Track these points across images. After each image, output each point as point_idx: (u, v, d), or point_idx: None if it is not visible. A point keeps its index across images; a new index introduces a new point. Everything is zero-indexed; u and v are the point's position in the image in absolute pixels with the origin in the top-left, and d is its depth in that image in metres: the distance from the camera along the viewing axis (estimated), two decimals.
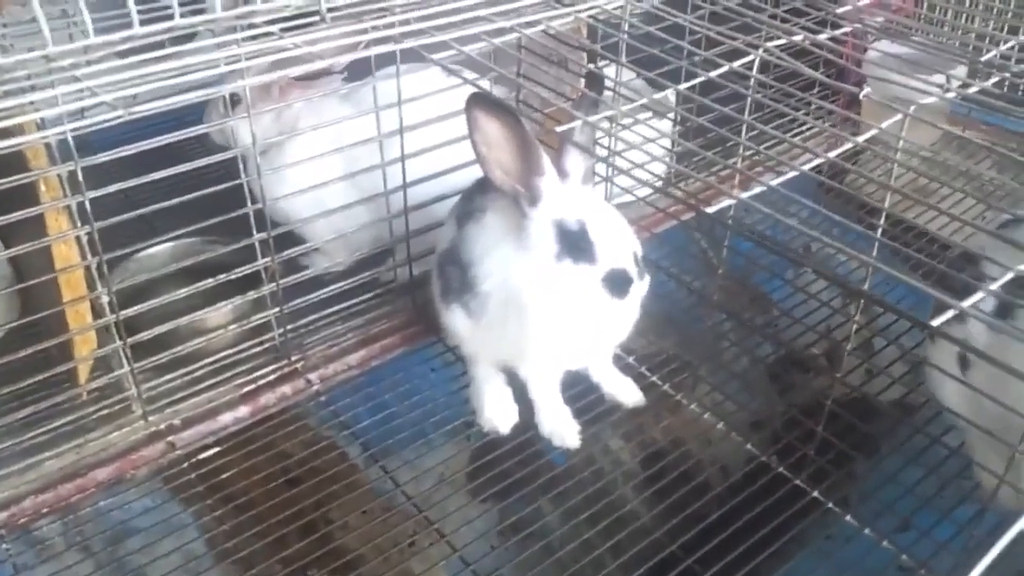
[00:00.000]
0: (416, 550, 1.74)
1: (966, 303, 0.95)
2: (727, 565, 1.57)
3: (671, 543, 1.65)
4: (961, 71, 2.51)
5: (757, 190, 1.15)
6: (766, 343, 2.25)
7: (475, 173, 1.92)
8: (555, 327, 1.67)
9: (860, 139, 1.27)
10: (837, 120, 2.76)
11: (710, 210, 1.12)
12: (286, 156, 2.01)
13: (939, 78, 1.59)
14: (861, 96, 1.39)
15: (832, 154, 1.35)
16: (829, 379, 2.03)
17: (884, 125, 1.29)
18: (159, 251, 2.14)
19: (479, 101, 1.55)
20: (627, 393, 1.96)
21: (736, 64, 1.57)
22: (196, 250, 1.99)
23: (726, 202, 1.14)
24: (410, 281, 2.11)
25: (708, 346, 2.09)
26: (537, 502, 1.77)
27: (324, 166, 1.98)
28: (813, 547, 1.69)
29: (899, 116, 1.33)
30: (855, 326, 1.75)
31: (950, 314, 0.96)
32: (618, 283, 1.60)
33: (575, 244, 1.60)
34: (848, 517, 1.72)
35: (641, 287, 1.62)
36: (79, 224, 1.61)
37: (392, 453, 1.88)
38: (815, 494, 1.75)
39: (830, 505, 1.74)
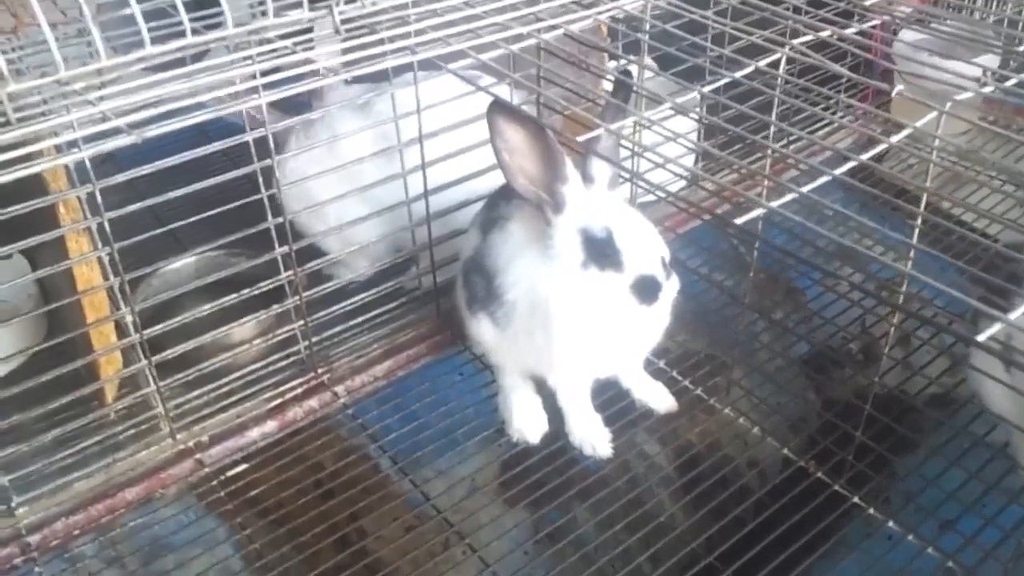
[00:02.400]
0: (450, 559, 1.71)
1: (1013, 315, 0.90)
2: (767, 574, 1.54)
3: (709, 552, 1.62)
4: (993, 60, 2.44)
5: (788, 197, 1.10)
6: (800, 342, 2.20)
7: (496, 178, 1.92)
8: (583, 336, 1.64)
9: (895, 139, 1.22)
10: (866, 115, 2.69)
11: (743, 219, 1.06)
12: (302, 170, 1.99)
13: (972, 70, 1.53)
14: (894, 94, 1.33)
15: (866, 156, 1.30)
16: (866, 377, 2.00)
17: (919, 124, 1.24)
18: (183, 266, 2.15)
19: (500, 109, 1.53)
20: (659, 399, 1.92)
21: (762, 63, 1.52)
22: (220, 264, 1.99)
23: (755, 212, 1.09)
24: (434, 289, 2.09)
25: (741, 347, 2.04)
26: (572, 511, 1.75)
27: (341, 179, 1.95)
28: (854, 554, 1.64)
29: (934, 113, 1.27)
30: (892, 327, 1.70)
31: (996, 327, 0.91)
32: (647, 290, 1.57)
33: (601, 252, 1.56)
34: (890, 523, 1.68)
35: (670, 292, 1.58)
36: (99, 245, 1.59)
37: (422, 463, 1.86)
38: (856, 499, 1.72)
39: (871, 511, 1.70)
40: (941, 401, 1.93)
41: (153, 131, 1.21)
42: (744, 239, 2.26)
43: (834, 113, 2.63)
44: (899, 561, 1.60)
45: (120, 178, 1.51)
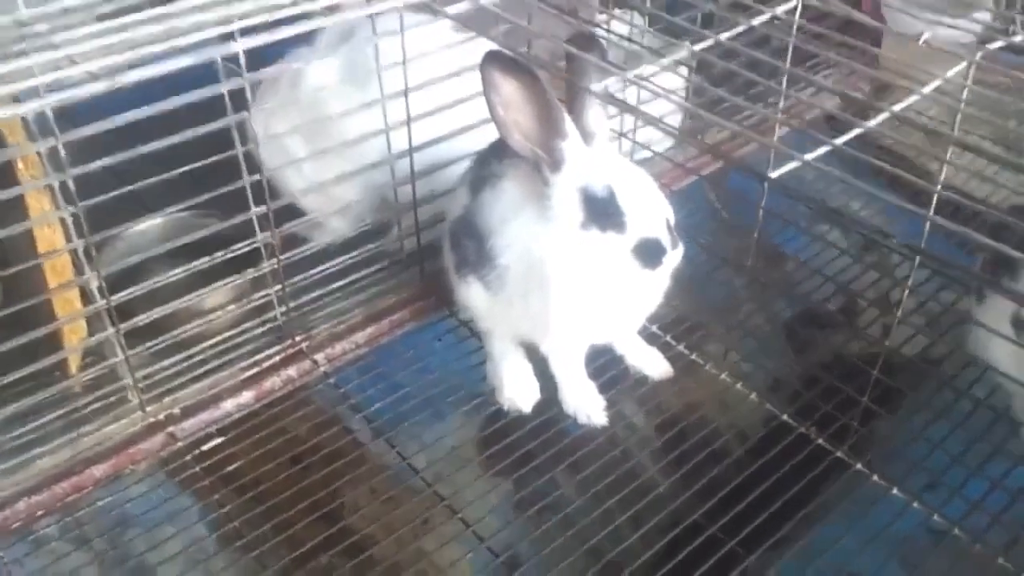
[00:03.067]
0: (429, 528, 1.63)
1: None
2: (752, 532, 1.50)
3: (692, 512, 1.58)
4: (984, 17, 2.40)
5: (823, 149, 1.03)
6: (782, 301, 2.14)
7: (483, 134, 1.82)
8: (581, 301, 1.57)
9: (926, 89, 1.14)
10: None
11: (777, 172, 0.99)
12: (280, 124, 1.87)
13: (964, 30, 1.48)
14: (920, 42, 1.26)
15: (875, 121, 1.22)
16: (847, 335, 1.96)
17: (950, 74, 1.16)
18: (149, 228, 2.02)
19: (496, 60, 1.43)
20: (654, 365, 1.86)
21: (756, 21, 1.46)
22: (189, 226, 1.86)
23: (791, 165, 1.02)
24: (418, 251, 1.99)
25: (722, 305, 1.98)
26: (551, 473, 1.67)
27: (319, 134, 1.84)
28: (840, 510, 1.61)
29: (963, 64, 1.21)
30: (903, 286, 1.64)
31: None
32: (650, 253, 1.49)
33: (602, 212, 1.48)
34: (875, 477, 1.65)
35: (674, 257, 1.51)
36: (63, 204, 1.47)
37: (404, 431, 1.77)
38: (839, 454, 1.68)
39: (858, 466, 1.66)
40: (923, 358, 1.89)
41: (129, 77, 1.08)
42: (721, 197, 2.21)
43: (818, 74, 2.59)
44: (885, 516, 1.57)
45: (87, 131, 1.37)
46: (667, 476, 1.66)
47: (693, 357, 1.90)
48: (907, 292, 1.53)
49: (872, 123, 1.24)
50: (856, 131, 1.22)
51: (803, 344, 2.03)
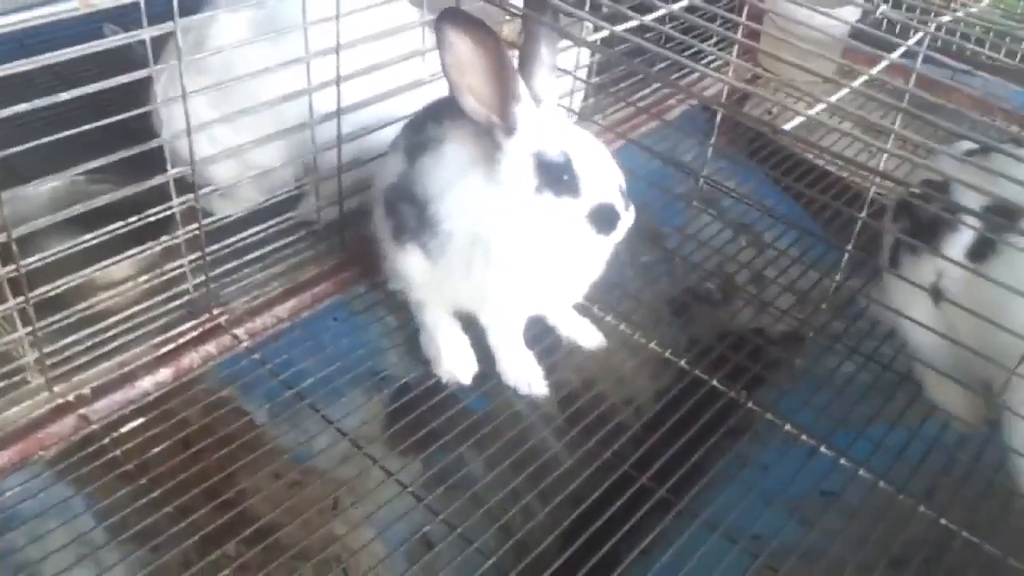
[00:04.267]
0: (338, 512, 1.55)
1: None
2: (673, 485, 1.53)
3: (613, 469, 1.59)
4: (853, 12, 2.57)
5: (819, 107, 1.06)
6: (665, 279, 2.20)
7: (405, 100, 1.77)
8: (529, 268, 1.55)
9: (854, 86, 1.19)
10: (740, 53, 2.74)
11: (790, 124, 1.01)
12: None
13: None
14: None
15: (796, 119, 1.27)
16: (727, 314, 2.06)
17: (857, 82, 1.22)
18: (35, 195, 1.81)
19: (451, 17, 1.38)
20: (587, 336, 1.86)
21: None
22: (81, 192, 1.69)
23: (796, 120, 1.04)
24: (340, 220, 1.91)
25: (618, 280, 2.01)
26: (458, 450, 1.64)
27: (230, 96, 1.72)
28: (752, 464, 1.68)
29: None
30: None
31: None
32: (604, 219, 1.49)
33: (557, 177, 1.47)
34: (787, 426, 1.71)
35: (627, 222, 1.52)
36: None
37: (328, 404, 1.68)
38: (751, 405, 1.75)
39: (769, 416, 1.73)
40: (794, 335, 2.01)
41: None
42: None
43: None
44: (794, 464, 1.64)
45: None
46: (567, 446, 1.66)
47: (622, 327, 1.92)
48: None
49: (789, 125, 1.28)
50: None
51: (689, 317, 2.09)
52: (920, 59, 1.44)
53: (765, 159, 2.59)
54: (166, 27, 1.41)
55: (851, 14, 2.58)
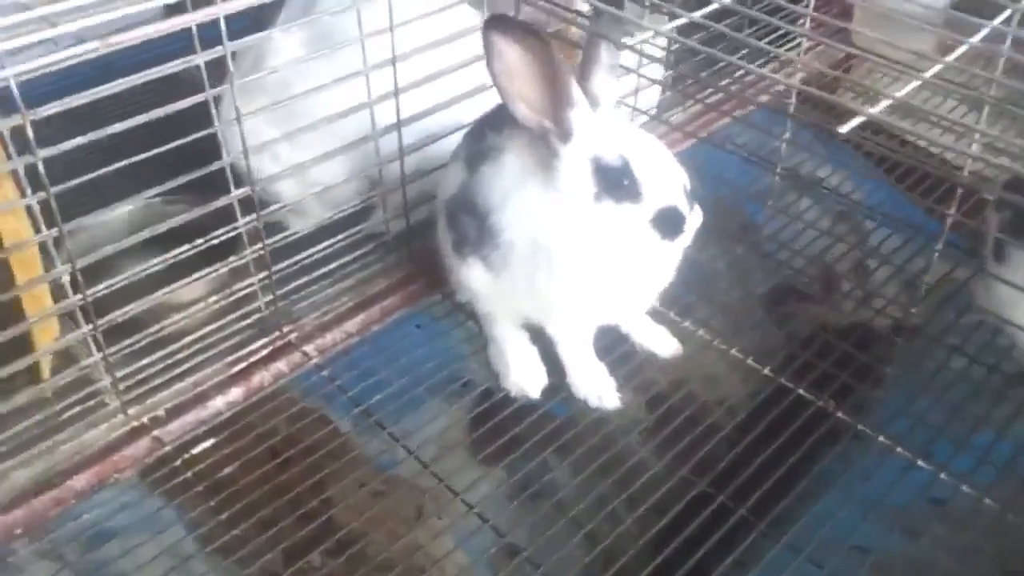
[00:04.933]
0: (424, 518, 1.55)
1: None
2: (758, 501, 1.46)
3: (690, 487, 1.52)
4: None
5: (884, 104, 0.96)
6: (758, 273, 2.10)
7: (469, 107, 1.73)
8: (594, 277, 1.49)
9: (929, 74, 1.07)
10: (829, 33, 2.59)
11: (847, 125, 0.92)
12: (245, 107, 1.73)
13: None
14: None
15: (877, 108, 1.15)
16: (826, 307, 1.94)
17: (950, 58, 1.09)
18: (112, 219, 1.87)
19: (498, 24, 1.33)
20: (663, 343, 1.78)
21: None
22: (158, 213, 1.72)
23: (856, 120, 0.95)
24: (407, 231, 1.88)
25: (704, 279, 1.93)
26: (545, 460, 1.60)
27: (290, 114, 1.71)
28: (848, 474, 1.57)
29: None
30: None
31: None
32: (669, 223, 1.42)
33: (617, 182, 1.40)
34: (881, 437, 1.60)
35: (693, 224, 1.44)
36: (29, 191, 1.33)
37: (393, 423, 1.67)
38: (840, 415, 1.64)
39: (860, 427, 1.62)
40: (899, 327, 1.88)
41: (121, 38, 0.96)
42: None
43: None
44: (889, 477, 1.54)
45: (57, 106, 1.24)
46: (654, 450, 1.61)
47: (700, 333, 1.83)
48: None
49: (875, 109, 1.16)
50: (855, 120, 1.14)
51: (784, 315, 1.98)
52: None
53: (860, 144, 2.44)
54: (216, 51, 1.41)
55: None
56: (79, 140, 1.29)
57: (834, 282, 2.05)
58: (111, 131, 1.34)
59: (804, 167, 2.29)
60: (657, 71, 2.23)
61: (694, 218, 1.43)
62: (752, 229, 2.22)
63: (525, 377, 1.70)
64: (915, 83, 1.18)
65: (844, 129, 0.93)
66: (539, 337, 1.72)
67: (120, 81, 1.33)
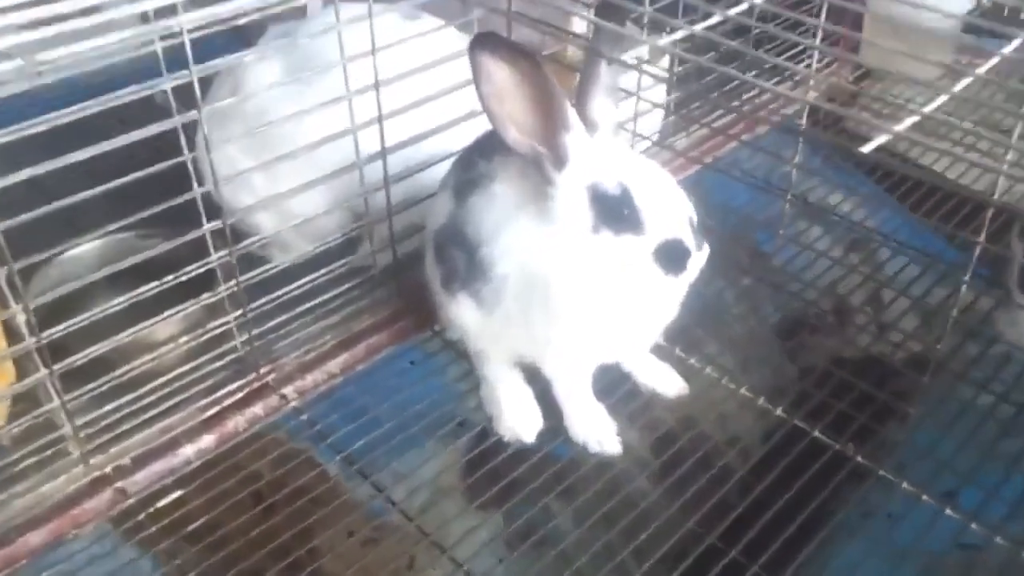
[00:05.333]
0: (417, 570, 1.45)
1: None
2: (773, 555, 1.35)
3: (700, 539, 1.41)
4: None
5: (909, 121, 0.85)
6: (768, 305, 1.99)
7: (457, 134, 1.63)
8: (592, 315, 1.38)
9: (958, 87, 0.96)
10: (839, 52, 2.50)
11: (870, 146, 0.82)
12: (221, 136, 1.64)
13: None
14: None
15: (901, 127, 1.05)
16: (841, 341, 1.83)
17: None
18: (84, 252, 1.78)
19: (486, 43, 1.24)
20: (668, 382, 1.67)
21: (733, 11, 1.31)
22: (131, 248, 1.62)
23: (880, 139, 0.84)
24: (393, 265, 1.78)
25: (710, 312, 1.83)
26: (543, 502, 1.50)
27: (267, 144, 1.62)
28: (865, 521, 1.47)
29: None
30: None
31: None
32: (673, 257, 1.31)
33: (616, 212, 1.30)
34: (905, 484, 1.49)
35: (700, 259, 1.33)
36: None
37: (382, 467, 1.56)
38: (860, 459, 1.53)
39: (881, 472, 1.51)
40: (916, 360, 1.77)
41: (56, 59, 0.86)
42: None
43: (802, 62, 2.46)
44: (915, 526, 1.43)
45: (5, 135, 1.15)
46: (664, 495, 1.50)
47: (708, 371, 1.72)
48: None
49: (900, 127, 1.05)
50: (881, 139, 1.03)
51: (795, 349, 1.87)
52: None
53: (873, 168, 2.33)
54: (182, 76, 1.31)
55: (960, 5, 2.30)
56: (31, 171, 1.19)
57: (848, 314, 1.95)
58: (75, 158, 1.25)
59: (815, 193, 2.19)
60: (659, 94, 2.13)
61: (700, 255, 1.32)
62: (761, 258, 2.12)
63: (519, 421, 1.59)
64: (942, 98, 1.08)
65: (868, 148, 0.82)
66: (535, 376, 1.61)
67: (73, 109, 1.23)
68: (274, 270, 1.64)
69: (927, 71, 1.26)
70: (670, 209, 1.32)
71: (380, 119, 1.58)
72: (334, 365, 1.70)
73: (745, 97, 2.44)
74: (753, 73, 2.41)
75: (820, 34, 1.65)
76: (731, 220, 2.10)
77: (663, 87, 2.14)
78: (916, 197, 2.08)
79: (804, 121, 2.09)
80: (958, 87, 1.09)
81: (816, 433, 1.56)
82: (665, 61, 2.17)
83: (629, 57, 1.40)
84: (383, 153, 1.62)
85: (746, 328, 1.92)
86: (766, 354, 1.84)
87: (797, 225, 2.11)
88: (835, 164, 2.31)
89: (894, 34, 1.26)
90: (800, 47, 2.34)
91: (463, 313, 1.50)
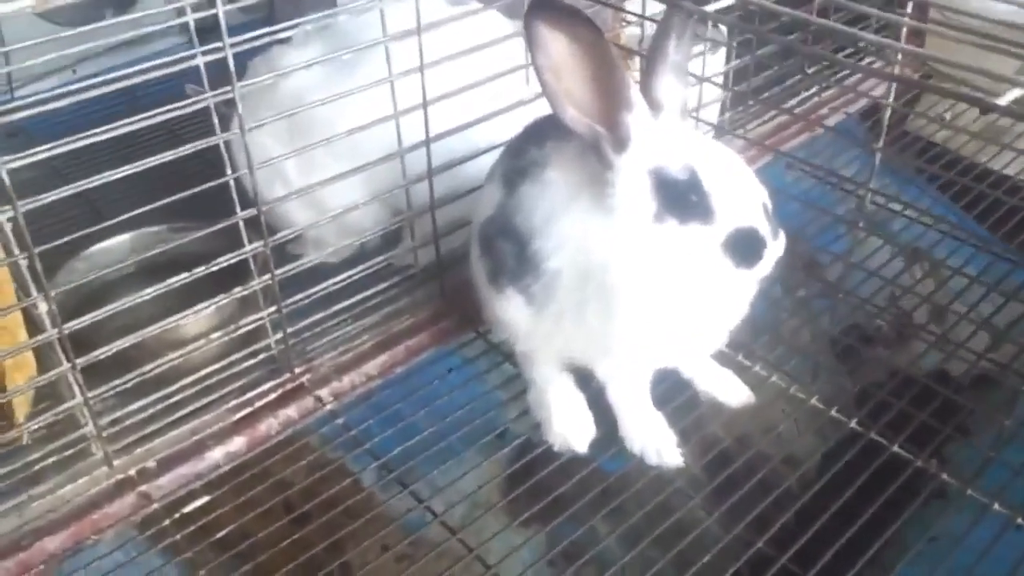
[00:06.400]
0: None
1: None
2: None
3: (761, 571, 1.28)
4: None
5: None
6: (826, 316, 1.86)
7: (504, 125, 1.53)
8: (654, 312, 1.27)
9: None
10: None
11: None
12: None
13: None
14: None
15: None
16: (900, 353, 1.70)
17: None
18: (114, 244, 1.73)
19: (543, 10, 1.13)
20: (731, 391, 1.55)
21: None
22: (161, 240, 1.56)
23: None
24: (437, 263, 1.68)
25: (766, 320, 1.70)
26: (590, 521, 1.39)
27: (304, 134, 1.54)
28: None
29: None
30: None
31: None
32: (746, 248, 1.20)
33: (682, 199, 1.19)
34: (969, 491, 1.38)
35: (775, 250, 1.21)
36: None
37: (419, 477, 1.47)
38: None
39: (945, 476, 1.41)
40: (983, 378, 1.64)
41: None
42: None
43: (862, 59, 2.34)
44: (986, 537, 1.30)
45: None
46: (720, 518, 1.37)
47: (774, 379, 1.59)
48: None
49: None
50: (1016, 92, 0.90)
51: (857, 362, 1.74)
52: None
53: (938, 174, 2.19)
54: (225, 92, 1.25)
55: None
56: (45, 149, 1.13)
57: (913, 323, 1.82)
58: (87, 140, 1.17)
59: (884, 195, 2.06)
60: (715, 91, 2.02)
61: (776, 244, 1.21)
62: (821, 263, 1.99)
63: (570, 428, 1.48)
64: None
65: (1004, 101, 0.71)
66: (586, 381, 1.50)
67: (117, 124, 1.19)
68: (309, 264, 1.54)
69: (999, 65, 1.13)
70: (742, 195, 1.21)
71: (424, 104, 1.48)
72: (372, 367, 1.61)
73: (804, 95, 2.32)
74: (814, 69, 2.31)
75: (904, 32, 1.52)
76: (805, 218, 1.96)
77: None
78: (982, 208, 1.95)
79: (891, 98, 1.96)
80: None
81: (896, 448, 1.43)
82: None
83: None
84: (427, 141, 1.52)
85: (809, 335, 1.79)
86: (830, 363, 1.71)
87: (855, 235, 1.98)
88: (891, 172, 2.18)
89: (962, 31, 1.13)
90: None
91: (511, 311, 1.39)
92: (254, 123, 1.34)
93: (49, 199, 1.15)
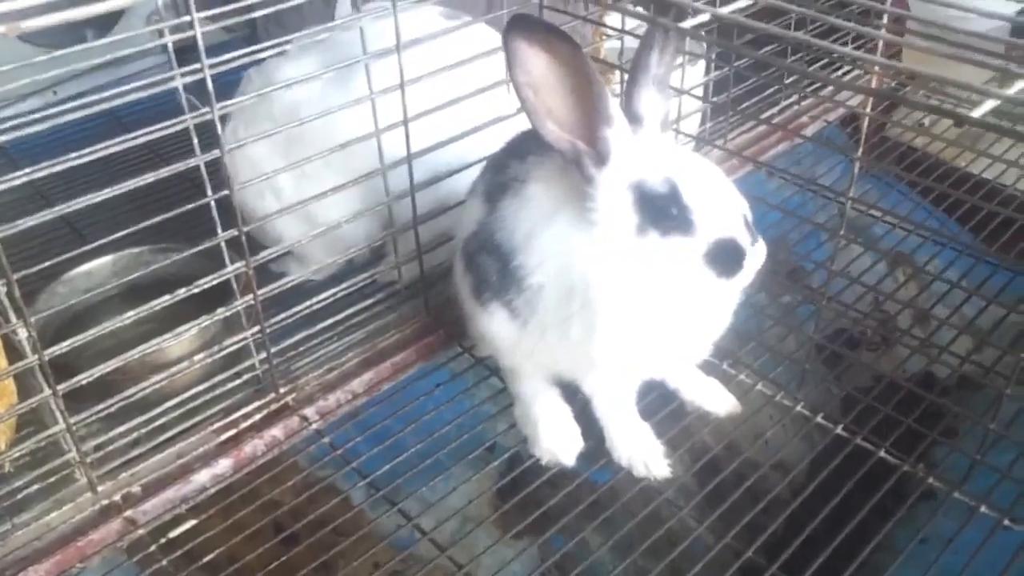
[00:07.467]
0: None
1: None
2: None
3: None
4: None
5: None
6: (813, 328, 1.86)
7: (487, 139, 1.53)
8: (637, 324, 1.27)
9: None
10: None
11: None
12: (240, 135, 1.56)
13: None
14: None
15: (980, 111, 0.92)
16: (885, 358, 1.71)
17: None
18: (96, 267, 1.72)
19: (522, 26, 1.14)
20: (718, 400, 1.55)
21: None
22: (144, 261, 1.55)
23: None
24: (421, 279, 1.67)
25: (750, 329, 1.71)
26: (581, 533, 1.40)
27: (299, 147, 1.53)
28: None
29: None
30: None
31: None
32: (727, 258, 1.20)
33: (663, 211, 1.19)
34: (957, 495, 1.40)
35: (756, 259, 1.21)
36: None
37: (408, 494, 1.46)
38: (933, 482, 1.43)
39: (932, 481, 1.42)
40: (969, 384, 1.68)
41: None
42: None
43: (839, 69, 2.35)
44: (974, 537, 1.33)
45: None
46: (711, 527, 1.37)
47: (760, 387, 1.60)
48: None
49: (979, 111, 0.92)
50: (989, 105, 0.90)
51: (843, 368, 1.76)
52: None
53: (918, 180, 2.21)
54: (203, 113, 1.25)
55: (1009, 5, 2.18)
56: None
57: (895, 327, 1.83)
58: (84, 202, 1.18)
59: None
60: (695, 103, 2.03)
61: (756, 253, 1.21)
62: (805, 270, 2.00)
63: (557, 441, 1.48)
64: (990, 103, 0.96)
65: (978, 113, 0.71)
66: (573, 394, 1.50)
67: (99, 147, 1.18)
68: (292, 283, 1.54)
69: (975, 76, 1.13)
70: (722, 206, 1.21)
71: (405, 120, 1.48)
72: (358, 384, 1.60)
73: (784, 104, 2.33)
74: (791, 80, 2.32)
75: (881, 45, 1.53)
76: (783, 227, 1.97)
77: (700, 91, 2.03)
78: (962, 211, 1.97)
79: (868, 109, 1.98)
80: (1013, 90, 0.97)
81: (882, 453, 1.44)
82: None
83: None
84: (408, 158, 1.52)
85: (794, 343, 1.80)
86: (816, 370, 1.72)
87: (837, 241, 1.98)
88: (871, 179, 2.19)
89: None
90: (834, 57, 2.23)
91: (495, 326, 1.39)
92: (251, 133, 1.35)
93: (29, 224, 1.15)
